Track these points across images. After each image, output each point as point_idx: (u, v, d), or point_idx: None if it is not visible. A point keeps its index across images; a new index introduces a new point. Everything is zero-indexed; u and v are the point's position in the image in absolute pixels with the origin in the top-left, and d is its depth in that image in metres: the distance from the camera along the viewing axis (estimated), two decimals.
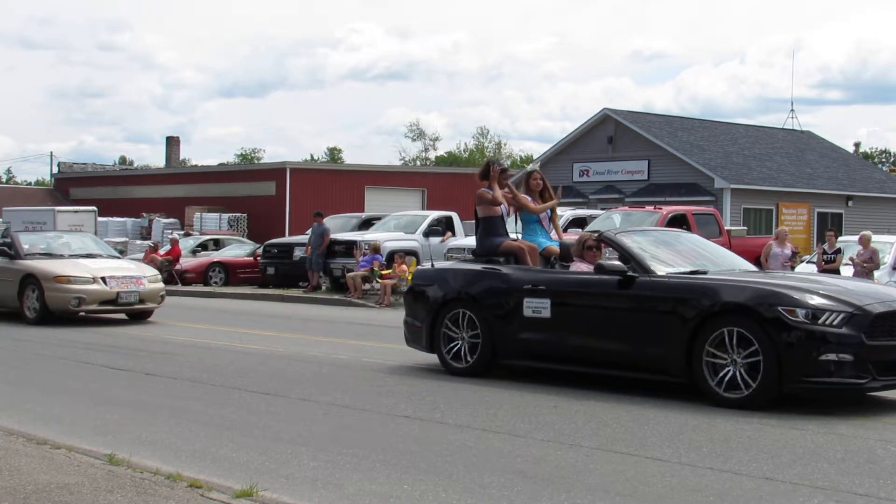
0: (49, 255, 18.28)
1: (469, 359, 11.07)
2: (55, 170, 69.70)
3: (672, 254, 10.61)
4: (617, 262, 10.10)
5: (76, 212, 45.87)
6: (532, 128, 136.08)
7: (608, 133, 36.83)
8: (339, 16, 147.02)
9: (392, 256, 23.81)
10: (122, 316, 18.17)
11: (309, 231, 26.96)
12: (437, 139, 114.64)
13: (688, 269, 10.09)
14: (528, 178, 12.25)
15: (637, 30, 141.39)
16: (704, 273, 9.98)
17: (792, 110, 46.08)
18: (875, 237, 20.18)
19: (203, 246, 34.73)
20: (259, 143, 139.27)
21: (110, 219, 48.88)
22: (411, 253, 24.45)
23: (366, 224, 29.11)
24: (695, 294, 9.44)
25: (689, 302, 9.42)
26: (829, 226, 32.15)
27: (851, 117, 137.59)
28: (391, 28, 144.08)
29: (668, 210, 21.57)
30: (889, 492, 6.42)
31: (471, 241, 23.81)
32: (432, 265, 12.32)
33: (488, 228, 11.83)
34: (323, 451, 7.45)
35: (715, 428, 8.38)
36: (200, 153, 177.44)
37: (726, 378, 9.14)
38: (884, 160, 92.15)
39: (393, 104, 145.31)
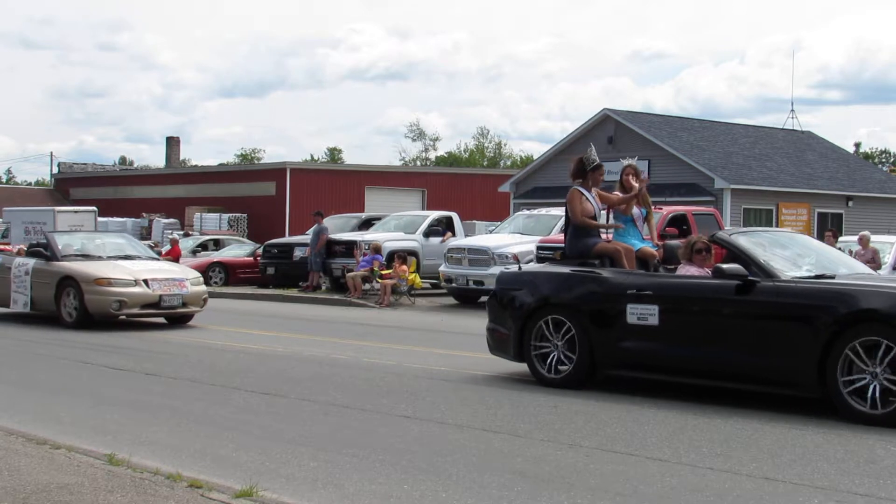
0: (86, 257, 17.60)
1: (563, 369, 10.35)
2: (55, 170, 69.78)
3: (791, 256, 9.95)
4: (736, 266, 9.35)
5: (76, 212, 45.85)
6: (532, 128, 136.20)
7: (608, 133, 36.82)
8: (338, 16, 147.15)
9: (392, 256, 23.82)
10: (161, 320, 17.62)
11: (310, 231, 26.98)
12: (437, 139, 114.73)
13: (814, 273, 9.46)
14: (622, 173, 11.60)
15: (636, 30, 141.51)
16: (832, 277, 9.34)
17: (792, 110, 46.02)
18: (875, 237, 20.18)
19: (203, 246, 34.73)
20: (259, 143, 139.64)
21: (110, 219, 48.87)
22: (411, 253, 24.45)
23: (366, 224, 29.11)
24: (829, 300, 8.72)
25: (822, 309, 8.70)
26: (830, 226, 32.15)
27: (851, 117, 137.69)
28: (391, 28, 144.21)
29: (669, 210, 21.55)
30: (889, 492, 6.43)
31: (470, 241, 23.91)
32: (519, 267, 11.59)
33: (580, 229, 11.05)
34: (323, 451, 7.45)
35: (715, 428, 8.38)
36: (200, 153, 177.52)
37: (867, 393, 8.43)
38: (884, 160, 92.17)
39: (393, 104, 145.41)
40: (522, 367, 10.78)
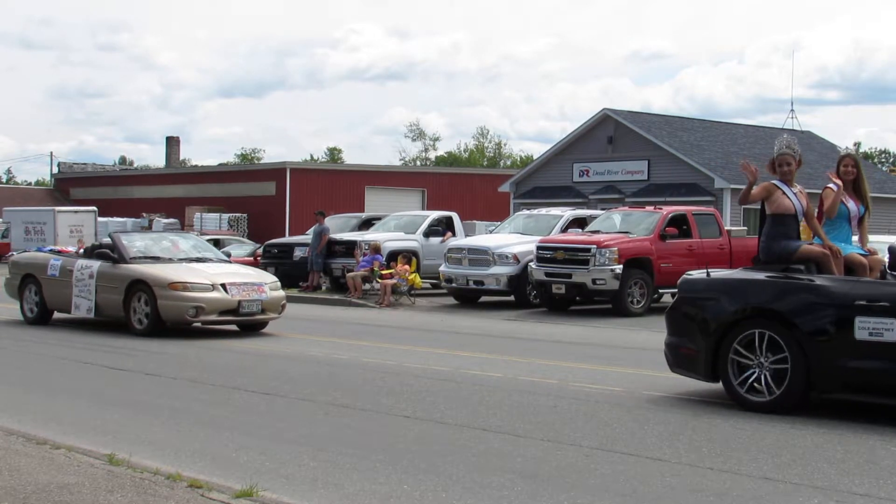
0: (156, 259, 16.34)
1: (772, 391, 9.00)
2: (55, 170, 69.82)
3: None
4: None
5: (76, 212, 45.90)
6: (531, 128, 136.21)
7: (608, 133, 36.81)
8: (338, 16, 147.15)
9: (392, 257, 23.82)
10: (234, 327, 16.35)
11: (310, 231, 26.99)
12: (437, 139, 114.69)
13: None
14: (839, 164, 10.08)
15: (635, 30, 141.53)
16: None
17: (792, 110, 46.11)
18: (875, 237, 20.18)
19: None
20: (259, 143, 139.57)
21: (110, 219, 48.89)
22: (412, 253, 24.45)
23: (366, 224, 29.12)
24: None
25: None
26: None
27: (849, 118, 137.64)
28: (390, 28, 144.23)
29: (669, 210, 21.54)
30: (889, 492, 6.43)
31: (470, 241, 23.91)
32: (708, 274, 9.96)
33: (779, 229, 9.58)
34: (323, 451, 7.44)
35: (715, 428, 8.38)
36: (200, 153, 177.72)
37: None
38: (884, 160, 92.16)
39: (393, 104, 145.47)
40: (517, 371, 10.73)
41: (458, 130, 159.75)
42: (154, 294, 15.29)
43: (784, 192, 9.57)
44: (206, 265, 16.34)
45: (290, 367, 12.17)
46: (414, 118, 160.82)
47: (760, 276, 9.41)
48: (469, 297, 23.04)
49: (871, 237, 10.66)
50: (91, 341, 14.72)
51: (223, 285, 15.42)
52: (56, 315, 17.45)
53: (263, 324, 16.34)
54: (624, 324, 18.41)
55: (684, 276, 10.36)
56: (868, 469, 7.01)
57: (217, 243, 35.07)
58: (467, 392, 10.22)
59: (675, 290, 10.22)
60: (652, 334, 16.93)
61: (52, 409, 9.24)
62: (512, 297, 22.10)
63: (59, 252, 18.45)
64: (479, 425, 8.45)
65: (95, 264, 16.38)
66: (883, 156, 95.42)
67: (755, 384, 9.09)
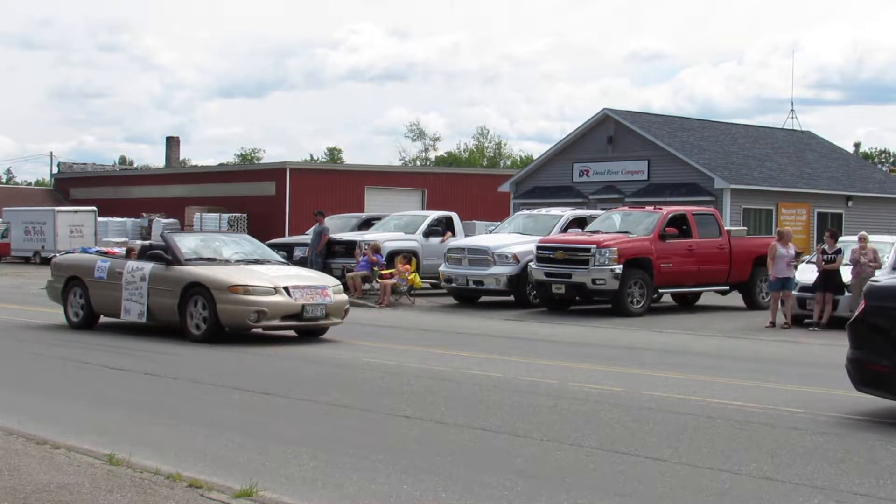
0: (212, 260, 15.41)
1: None
2: (55, 170, 69.79)
3: None
4: None
5: (76, 212, 45.92)
6: (531, 128, 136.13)
7: (608, 133, 36.80)
8: (338, 16, 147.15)
9: (392, 257, 23.82)
10: (291, 333, 15.37)
11: (310, 231, 26.99)
12: (437, 139, 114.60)
13: None
14: None
15: (635, 30, 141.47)
16: None
17: (792, 110, 46.01)
18: (875, 237, 20.18)
19: None
20: (259, 143, 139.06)
21: (110, 219, 48.94)
22: (412, 253, 24.45)
23: (366, 224, 29.12)
24: None
25: None
26: (829, 226, 32.17)
27: (848, 118, 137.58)
28: (390, 28, 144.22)
29: (669, 210, 21.53)
30: (889, 492, 6.43)
31: (470, 241, 23.90)
32: None
33: None
34: (323, 451, 7.45)
35: (715, 428, 8.38)
36: (200, 153, 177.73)
37: None
38: (884, 160, 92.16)
39: (392, 104, 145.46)
40: (517, 371, 10.69)
41: (457, 130, 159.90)
42: (213, 297, 14.34)
43: None
44: (265, 267, 15.47)
45: (290, 366, 12.17)
46: (414, 118, 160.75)
47: None
48: (469, 297, 23.04)
49: (872, 237, 10.47)
50: (91, 341, 14.71)
51: (286, 288, 14.47)
52: (55, 315, 17.35)
53: (323, 330, 15.36)
54: (624, 324, 18.41)
55: (870, 283, 9.38)
56: (868, 469, 7.01)
57: None
58: (467, 392, 10.22)
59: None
60: (652, 334, 16.94)
61: (52, 409, 9.24)
62: (512, 297, 22.09)
63: (106, 253, 17.55)
64: (479, 425, 8.45)
65: (147, 266, 15.40)
66: (883, 156, 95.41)
67: None
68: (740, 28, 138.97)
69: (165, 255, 15.30)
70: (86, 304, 16.27)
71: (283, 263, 16.45)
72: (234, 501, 5.95)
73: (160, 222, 46.65)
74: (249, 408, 9.38)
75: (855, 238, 19.08)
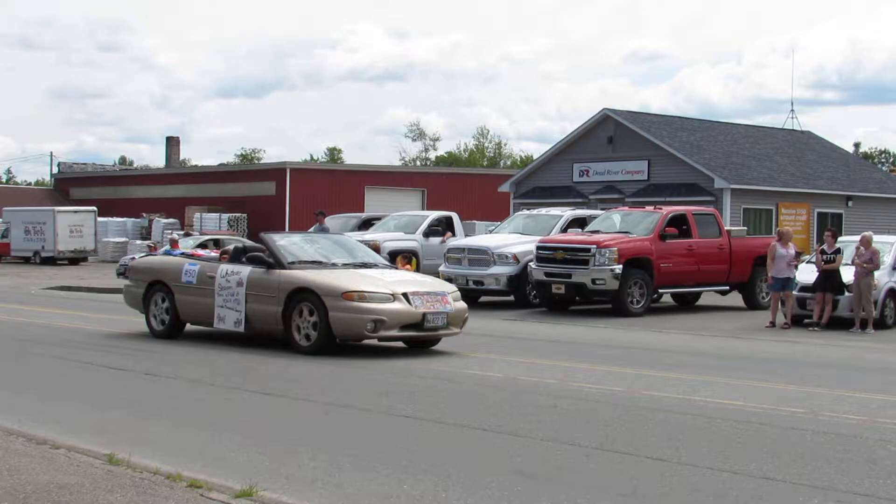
0: (318, 264, 14.06)
1: None
2: (55, 170, 69.78)
3: None
4: None
5: (76, 212, 45.90)
6: (530, 128, 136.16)
7: (608, 133, 36.78)
8: (337, 17, 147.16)
9: (392, 257, 23.80)
10: (400, 344, 14.10)
11: (311, 230, 26.99)
12: (437, 139, 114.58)
13: None
14: None
15: (634, 30, 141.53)
16: None
17: (792, 110, 45.93)
18: (875, 237, 20.18)
19: (203, 246, 34.58)
20: (259, 144, 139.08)
21: (110, 219, 48.94)
22: (412, 253, 24.44)
23: (366, 224, 29.12)
24: None
25: None
26: (829, 226, 32.16)
27: (847, 118, 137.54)
28: (389, 29, 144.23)
29: (668, 210, 21.52)
30: (889, 492, 6.43)
31: (470, 241, 23.89)
32: None
33: None
34: (323, 451, 7.44)
35: (715, 428, 8.38)
36: (200, 153, 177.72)
37: None
38: (883, 160, 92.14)
39: (392, 104, 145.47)
40: (517, 371, 10.67)
41: (457, 130, 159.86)
42: (324, 305, 12.96)
43: None
44: (377, 271, 14.10)
45: (290, 366, 12.16)
46: (414, 118, 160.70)
47: None
48: (469, 297, 23.00)
49: (875, 237, 10.52)
50: (91, 341, 14.71)
51: (405, 295, 13.12)
52: (55, 315, 17.29)
53: (436, 341, 14.10)
54: (624, 324, 18.41)
55: None
56: (868, 469, 7.01)
57: (217, 243, 35.09)
58: (467, 392, 10.22)
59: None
60: (652, 334, 16.94)
61: (52, 409, 9.24)
62: (512, 297, 22.09)
63: (192, 256, 16.20)
64: (479, 425, 8.44)
65: (245, 270, 14.02)
66: (883, 156, 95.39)
67: None
68: (739, 28, 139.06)
69: (267, 258, 13.97)
70: (171, 311, 14.86)
71: (390, 267, 15.04)
72: (234, 501, 5.94)
73: (160, 222, 46.65)
74: (249, 408, 9.39)
75: (855, 238, 19.07)
